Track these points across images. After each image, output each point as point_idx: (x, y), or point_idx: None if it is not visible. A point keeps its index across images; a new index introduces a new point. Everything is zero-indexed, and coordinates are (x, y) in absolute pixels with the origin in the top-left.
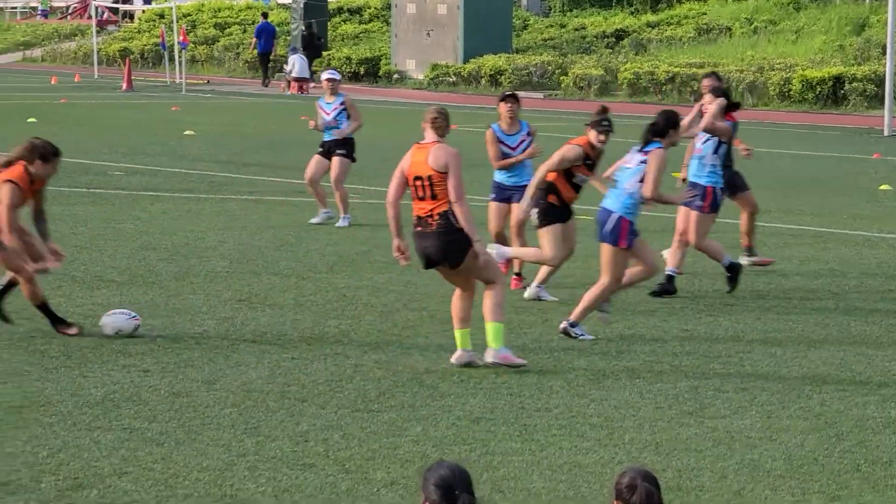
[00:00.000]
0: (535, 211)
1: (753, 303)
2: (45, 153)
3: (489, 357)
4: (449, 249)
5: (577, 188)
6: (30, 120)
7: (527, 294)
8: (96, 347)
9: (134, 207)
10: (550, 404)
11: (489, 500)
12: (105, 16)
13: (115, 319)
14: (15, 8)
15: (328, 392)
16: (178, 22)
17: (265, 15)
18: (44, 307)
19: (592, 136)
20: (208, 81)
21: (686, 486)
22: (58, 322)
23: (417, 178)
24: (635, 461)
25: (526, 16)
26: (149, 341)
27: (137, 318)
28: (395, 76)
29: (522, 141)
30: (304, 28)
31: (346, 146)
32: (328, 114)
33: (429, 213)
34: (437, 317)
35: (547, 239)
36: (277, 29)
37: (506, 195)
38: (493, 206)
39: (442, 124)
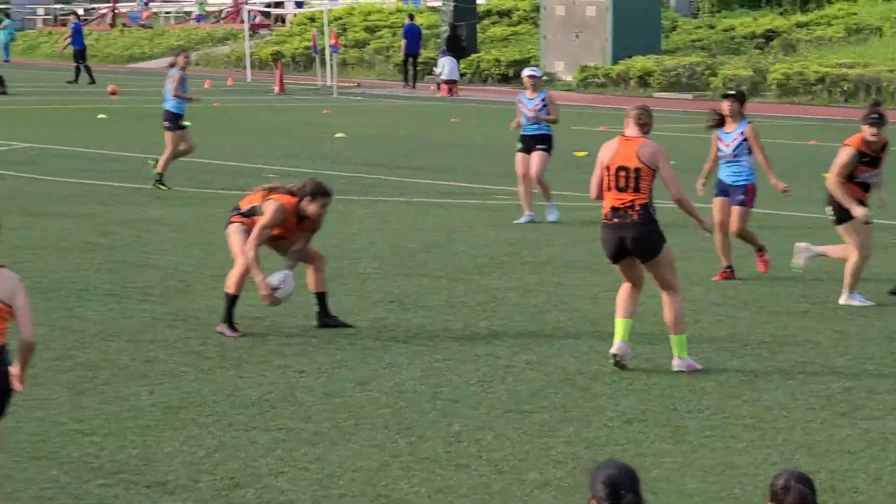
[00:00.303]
0: (829, 209)
1: None
2: (314, 192)
3: (676, 366)
4: (649, 240)
5: (864, 187)
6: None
7: (842, 300)
8: (251, 348)
9: None
10: (702, 405)
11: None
12: (257, 20)
13: (284, 293)
14: (169, 13)
15: (480, 393)
16: (328, 25)
17: (411, 17)
18: (232, 299)
19: (865, 131)
20: (359, 84)
21: (840, 487)
22: (228, 320)
23: (622, 168)
24: (788, 463)
25: (675, 17)
26: (303, 342)
27: (283, 278)
28: (544, 78)
29: (735, 140)
30: (448, 30)
31: (545, 141)
32: (530, 110)
33: (629, 204)
34: (587, 317)
35: (851, 234)
36: (428, 31)
37: (725, 189)
38: (717, 201)
39: (646, 121)
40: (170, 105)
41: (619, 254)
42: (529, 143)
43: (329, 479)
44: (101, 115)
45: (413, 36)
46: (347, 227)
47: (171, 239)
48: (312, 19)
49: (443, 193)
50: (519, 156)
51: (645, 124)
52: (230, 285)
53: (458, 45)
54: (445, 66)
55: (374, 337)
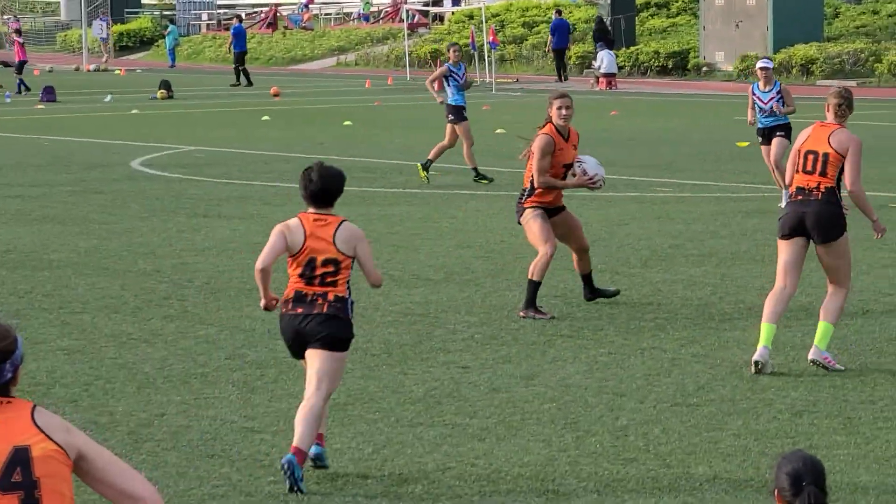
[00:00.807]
0: None
1: None
2: (550, 100)
3: (812, 355)
4: (829, 220)
5: None
6: (346, 123)
7: None
8: (416, 345)
9: (449, 206)
10: (874, 397)
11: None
12: (416, 19)
13: (600, 173)
14: (329, 14)
15: (646, 386)
16: (486, 22)
17: (559, 12)
18: (535, 285)
19: None
20: (517, 80)
21: None
22: (532, 304)
23: (811, 152)
24: None
25: (837, 3)
26: (467, 338)
27: (591, 163)
28: (704, 69)
29: None
30: (595, 22)
31: (785, 128)
32: (765, 102)
33: (815, 185)
34: (753, 310)
35: None
36: (585, 25)
37: None
38: None
39: (845, 111)
40: (449, 99)
41: (795, 229)
42: (769, 134)
43: (496, 474)
44: (265, 117)
45: (561, 31)
46: (511, 222)
47: None
48: (471, 17)
49: (605, 187)
50: (763, 150)
51: (843, 114)
52: (534, 273)
53: (607, 38)
54: (604, 60)
55: (538, 332)
